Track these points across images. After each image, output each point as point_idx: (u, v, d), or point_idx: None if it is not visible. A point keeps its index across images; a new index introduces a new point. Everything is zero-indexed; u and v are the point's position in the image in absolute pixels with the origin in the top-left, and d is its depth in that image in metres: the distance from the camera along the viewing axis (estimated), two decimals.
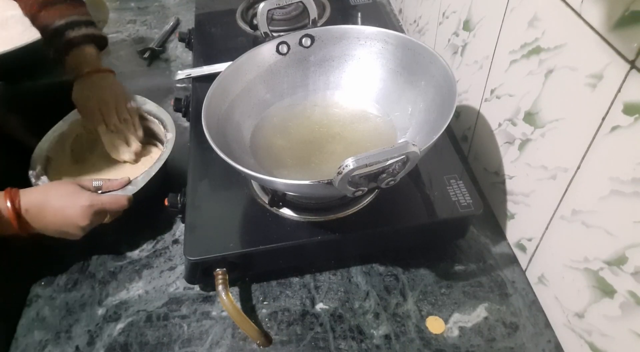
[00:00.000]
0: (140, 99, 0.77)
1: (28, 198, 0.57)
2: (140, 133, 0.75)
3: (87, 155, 0.77)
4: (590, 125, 0.44)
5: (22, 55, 0.93)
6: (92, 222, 0.60)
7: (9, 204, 0.55)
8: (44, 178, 0.67)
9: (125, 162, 0.75)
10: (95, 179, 0.64)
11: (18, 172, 0.68)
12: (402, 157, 0.42)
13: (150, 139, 0.78)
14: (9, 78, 0.96)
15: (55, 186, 0.61)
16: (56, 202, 0.58)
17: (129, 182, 0.65)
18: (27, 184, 0.65)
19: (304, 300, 0.60)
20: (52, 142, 0.73)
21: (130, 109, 0.75)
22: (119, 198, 0.61)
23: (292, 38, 0.65)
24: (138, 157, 0.75)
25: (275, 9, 0.63)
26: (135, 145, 0.74)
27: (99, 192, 0.63)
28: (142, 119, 0.77)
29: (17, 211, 0.56)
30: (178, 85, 0.90)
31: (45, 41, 0.76)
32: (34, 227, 0.58)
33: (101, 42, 0.80)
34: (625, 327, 0.43)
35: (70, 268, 0.66)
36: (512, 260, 0.62)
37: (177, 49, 1.03)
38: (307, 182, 0.45)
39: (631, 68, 0.38)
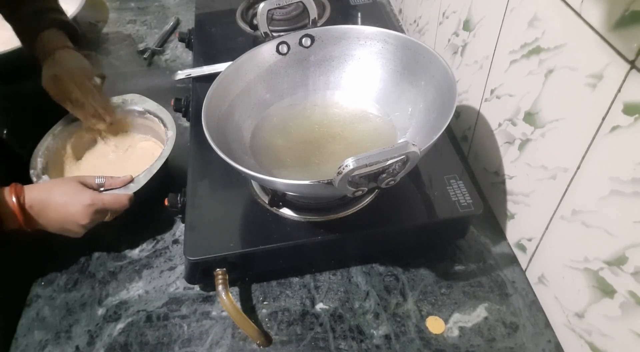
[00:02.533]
0: (140, 98, 0.77)
1: (32, 194, 0.57)
2: (107, 109, 0.74)
3: (87, 153, 0.77)
4: (590, 125, 0.44)
5: (22, 55, 0.93)
6: (94, 221, 0.60)
7: (14, 199, 0.56)
8: (44, 177, 0.67)
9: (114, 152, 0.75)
10: (98, 176, 0.64)
11: (19, 172, 0.68)
12: (402, 157, 0.42)
13: (149, 137, 0.78)
14: (8, 78, 0.96)
15: (58, 184, 0.61)
16: (59, 200, 0.58)
17: (132, 180, 0.65)
18: (28, 183, 0.65)
19: (304, 300, 0.60)
20: (52, 141, 0.73)
21: (95, 85, 0.74)
22: (120, 197, 0.62)
23: (292, 38, 0.65)
24: (139, 157, 0.75)
25: (275, 9, 0.63)
26: (108, 117, 0.74)
27: (102, 189, 0.63)
28: (141, 116, 0.77)
29: (22, 206, 0.56)
30: (178, 85, 0.90)
31: (16, 30, 0.76)
32: (38, 223, 0.58)
33: (73, 34, 0.79)
34: (625, 327, 0.43)
35: (70, 268, 0.66)
36: (512, 260, 0.62)
37: (177, 49, 1.03)
38: (307, 182, 0.45)
39: (631, 68, 0.38)
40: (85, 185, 0.61)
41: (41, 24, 0.75)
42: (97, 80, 0.75)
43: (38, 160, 0.69)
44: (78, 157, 0.76)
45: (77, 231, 0.60)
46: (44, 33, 0.75)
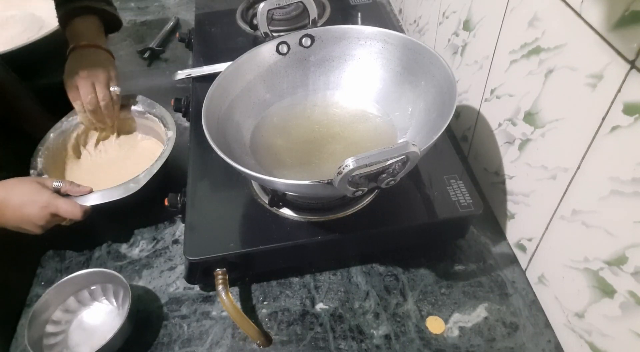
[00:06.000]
0: (140, 98, 0.77)
1: None
2: (114, 118, 0.74)
3: (88, 153, 0.77)
4: (590, 125, 0.44)
5: (22, 55, 0.93)
6: (50, 222, 0.60)
7: None
8: (44, 177, 0.67)
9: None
10: (56, 180, 0.63)
11: (19, 172, 0.68)
12: (402, 157, 0.42)
13: (150, 137, 0.78)
14: None
15: (16, 184, 0.61)
16: (16, 200, 0.58)
17: (91, 191, 0.64)
18: None
19: (304, 300, 0.60)
20: (52, 141, 0.73)
21: (113, 93, 0.73)
22: (74, 208, 0.60)
23: (292, 38, 0.65)
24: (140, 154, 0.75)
25: (275, 9, 0.63)
26: (109, 126, 0.73)
27: (62, 191, 0.62)
28: (142, 116, 0.77)
29: None
30: (178, 85, 0.90)
31: (56, 8, 0.76)
32: None
33: (113, 23, 0.79)
34: (625, 327, 0.43)
35: (70, 268, 0.66)
36: (512, 260, 0.62)
37: (177, 49, 1.03)
38: (307, 182, 0.45)
39: (631, 68, 0.38)
40: (44, 186, 0.61)
41: (76, 9, 0.73)
42: (116, 90, 0.74)
43: (38, 160, 0.69)
44: (79, 156, 0.76)
45: (34, 230, 0.60)
46: (78, 20, 0.73)
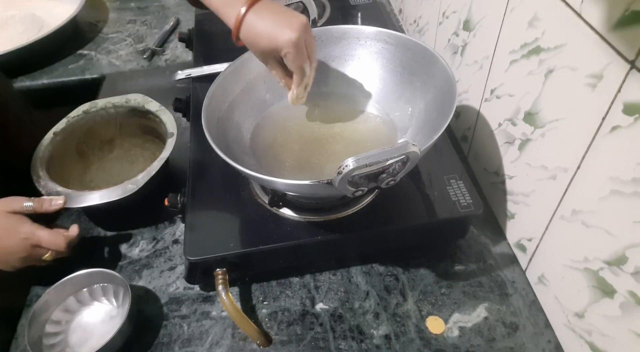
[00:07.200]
0: (143, 98, 0.77)
1: None
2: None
3: (89, 153, 0.77)
4: (590, 125, 0.44)
5: (22, 55, 0.93)
6: (32, 256, 0.57)
7: None
8: (42, 174, 0.67)
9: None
10: (26, 200, 0.59)
11: (19, 171, 0.68)
12: (402, 157, 0.42)
13: (152, 137, 0.78)
14: (10, 76, 0.96)
15: None
16: None
17: (65, 202, 0.61)
18: (28, 182, 0.65)
19: (304, 300, 0.60)
20: (54, 141, 0.72)
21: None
22: (58, 239, 0.58)
23: None
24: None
25: None
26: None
27: (37, 211, 0.59)
28: (143, 117, 0.77)
29: None
30: (178, 85, 0.90)
31: None
32: None
33: None
34: (625, 327, 0.43)
35: (70, 268, 0.65)
36: (512, 260, 0.62)
37: (177, 49, 1.03)
38: (307, 182, 0.45)
39: (631, 68, 0.38)
40: (15, 213, 0.57)
41: None
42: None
43: (39, 159, 0.69)
44: (81, 155, 0.76)
45: (14, 264, 0.57)
46: None
